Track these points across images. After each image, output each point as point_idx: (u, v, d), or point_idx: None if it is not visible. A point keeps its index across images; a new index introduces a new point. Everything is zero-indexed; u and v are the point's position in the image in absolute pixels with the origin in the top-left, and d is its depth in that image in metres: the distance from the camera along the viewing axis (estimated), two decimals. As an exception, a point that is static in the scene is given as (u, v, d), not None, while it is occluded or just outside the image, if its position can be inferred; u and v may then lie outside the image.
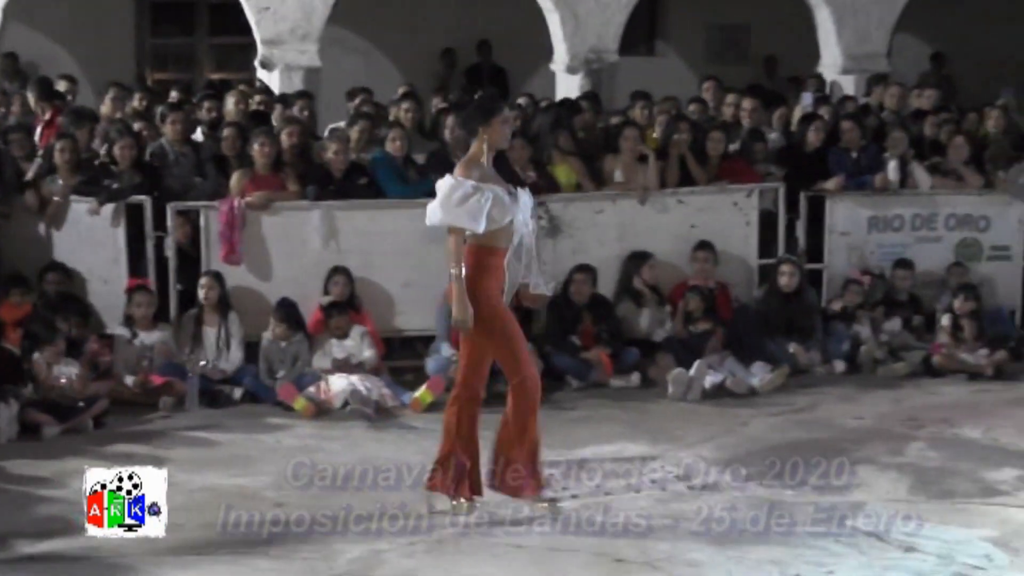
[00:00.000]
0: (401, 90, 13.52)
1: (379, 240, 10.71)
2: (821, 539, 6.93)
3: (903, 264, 11.57)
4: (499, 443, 7.27)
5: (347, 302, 10.31)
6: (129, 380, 9.79)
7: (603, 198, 11.20)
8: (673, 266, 11.19)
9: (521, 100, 13.39)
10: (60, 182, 10.47)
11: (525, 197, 7.28)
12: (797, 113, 13.45)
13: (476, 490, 7.30)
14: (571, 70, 14.70)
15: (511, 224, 7.14)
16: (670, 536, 6.97)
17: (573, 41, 14.67)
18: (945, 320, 11.03)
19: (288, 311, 10.16)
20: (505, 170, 8.36)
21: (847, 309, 11.21)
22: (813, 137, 12.01)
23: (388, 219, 10.70)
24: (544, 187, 10.80)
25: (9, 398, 8.90)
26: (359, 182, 10.85)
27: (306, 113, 12.17)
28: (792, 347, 10.82)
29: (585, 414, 9.60)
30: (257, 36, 13.96)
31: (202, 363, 9.96)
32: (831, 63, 15.49)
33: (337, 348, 10.06)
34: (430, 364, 10.24)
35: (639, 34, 17.94)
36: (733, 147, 11.97)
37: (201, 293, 10.17)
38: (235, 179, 10.62)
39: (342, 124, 12.27)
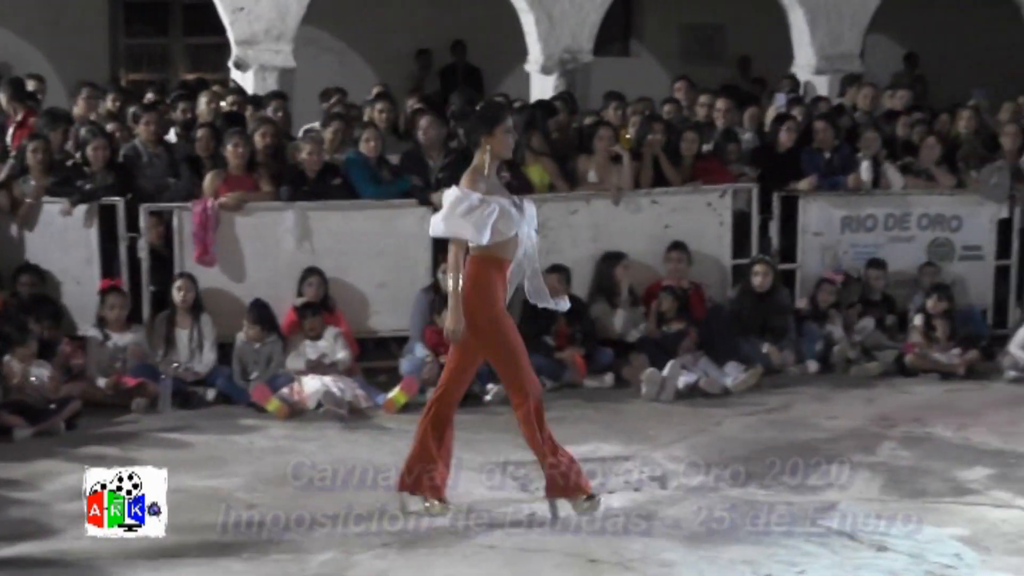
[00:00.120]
0: (375, 90, 13.50)
1: (353, 241, 10.71)
2: (793, 539, 6.96)
3: (876, 264, 11.61)
4: (536, 454, 7.26)
5: (321, 303, 10.30)
6: (101, 382, 9.76)
7: (577, 198, 11.21)
8: (647, 266, 11.20)
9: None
10: (32, 183, 10.42)
11: (531, 209, 7.24)
12: (770, 113, 13.48)
13: (440, 494, 7.24)
14: (546, 70, 14.68)
15: (516, 236, 7.12)
16: (643, 536, 6.99)
17: (548, 41, 14.65)
18: (917, 320, 11.08)
19: (261, 312, 10.15)
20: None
21: (818, 308, 11.24)
22: (785, 137, 12.04)
23: (362, 220, 10.71)
24: (517, 187, 10.77)
25: (-20, 400, 8.88)
26: (333, 183, 10.83)
27: (280, 114, 12.14)
28: (766, 347, 10.85)
29: (559, 414, 9.49)
30: (231, 36, 13.91)
31: (175, 364, 9.94)
32: (805, 63, 15.51)
33: (311, 349, 10.04)
34: (404, 364, 10.23)
35: (614, 34, 17.97)
36: (707, 147, 11.99)
37: (178, 296, 10.13)
38: (208, 180, 10.59)
39: (316, 125, 12.25)
